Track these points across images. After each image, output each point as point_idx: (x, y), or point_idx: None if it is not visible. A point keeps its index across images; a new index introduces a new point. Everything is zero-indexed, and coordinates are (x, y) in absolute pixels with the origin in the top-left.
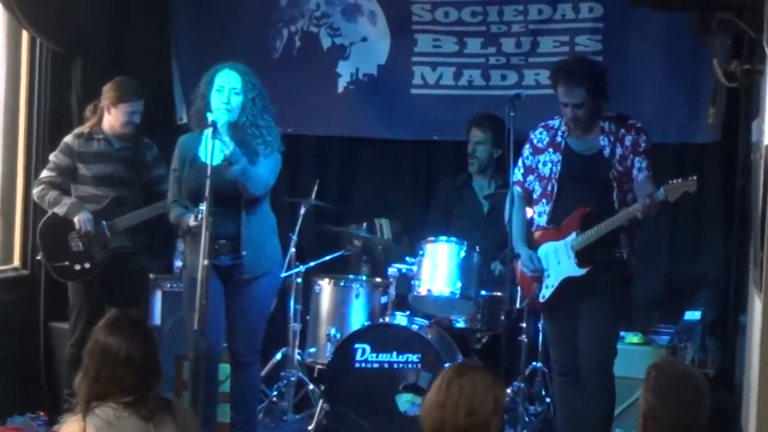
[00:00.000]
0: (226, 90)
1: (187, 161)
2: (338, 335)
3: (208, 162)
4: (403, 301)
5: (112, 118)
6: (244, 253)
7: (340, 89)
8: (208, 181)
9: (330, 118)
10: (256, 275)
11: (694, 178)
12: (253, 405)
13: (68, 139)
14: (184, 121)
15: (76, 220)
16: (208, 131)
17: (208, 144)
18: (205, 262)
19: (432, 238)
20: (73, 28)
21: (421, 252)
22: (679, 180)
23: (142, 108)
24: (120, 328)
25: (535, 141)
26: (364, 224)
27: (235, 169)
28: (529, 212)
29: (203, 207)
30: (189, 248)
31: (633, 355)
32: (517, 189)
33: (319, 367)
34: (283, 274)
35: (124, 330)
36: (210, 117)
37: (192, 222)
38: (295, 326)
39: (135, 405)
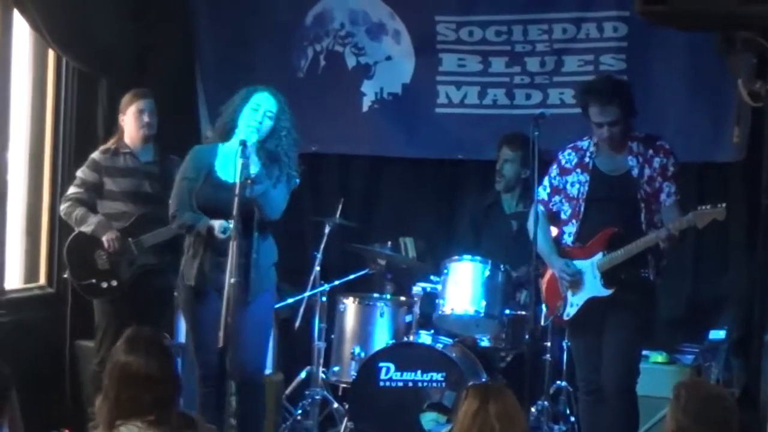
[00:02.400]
0: (261, 110)
1: (202, 173)
2: (362, 354)
3: (237, 180)
4: (427, 320)
5: (127, 127)
6: (253, 276)
7: (365, 108)
8: (236, 200)
9: (354, 136)
10: (256, 297)
11: (723, 205)
12: (260, 425)
13: (95, 154)
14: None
15: (104, 239)
16: (237, 149)
17: (237, 162)
18: (232, 280)
19: (456, 257)
20: (98, 47)
21: (445, 271)
22: (708, 207)
23: (153, 107)
24: (138, 346)
25: (563, 162)
26: (389, 243)
27: (257, 189)
28: (554, 231)
29: (231, 223)
30: (195, 257)
31: (657, 374)
32: (541, 208)
33: (344, 385)
34: (308, 293)
35: (142, 348)
36: (240, 135)
37: (219, 234)
38: (319, 345)
39: (159, 423)
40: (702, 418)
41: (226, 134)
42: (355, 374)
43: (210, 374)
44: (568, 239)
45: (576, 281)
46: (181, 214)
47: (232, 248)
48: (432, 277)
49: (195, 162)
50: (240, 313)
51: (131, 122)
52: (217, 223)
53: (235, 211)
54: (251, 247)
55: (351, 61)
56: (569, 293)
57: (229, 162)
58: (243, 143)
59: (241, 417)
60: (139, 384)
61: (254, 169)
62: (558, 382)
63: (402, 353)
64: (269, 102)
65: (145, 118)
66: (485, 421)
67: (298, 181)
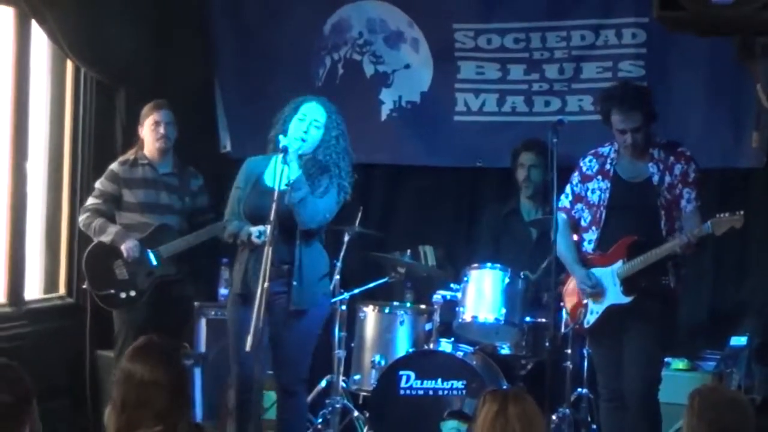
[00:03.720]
0: (307, 120)
1: (250, 182)
2: (383, 362)
3: (276, 186)
4: (447, 328)
5: (146, 139)
6: (294, 283)
7: (383, 117)
8: (273, 205)
9: (373, 145)
10: (303, 308)
11: (741, 213)
12: None
13: (113, 166)
14: (228, 149)
15: (123, 248)
16: (278, 156)
17: (276, 168)
18: (266, 284)
19: (476, 265)
20: (117, 58)
21: (465, 278)
22: (726, 214)
23: (170, 118)
24: (144, 354)
25: (584, 168)
26: (408, 251)
27: (295, 195)
28: (575, 238)
29: (267, 228)
30: (241, 265)
31: (679, 381)
32: (563, 216)
33: (364, 394)
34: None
35: (149, 356)
36: (282, 141)
37: (255, 239)
38: (339, 353)
39: None
40: (717, 424)
41: (277, 145)
42: (376, 383)
43: (245, 382)
44: (588, 246)
45: (597, 293)
46: (230, 222)
47: (267, 253)
48: (452, 285)
49: (246, 171)
50: (285, 323)
51: (148, 134)
52: (254, 229)
53: (272, 216)
54: (293, 255)
55: (369, 70)
56: (590, 301)
57: (275, 170)
58: (284, 149)
59: (280, 426)
60: (144, 390)
61: (293, 175)
62: (579, 389)
63: (422, 361)
64: (317, 111)
65: (161, 130)
66: (505, 424)
67: (348, 193)
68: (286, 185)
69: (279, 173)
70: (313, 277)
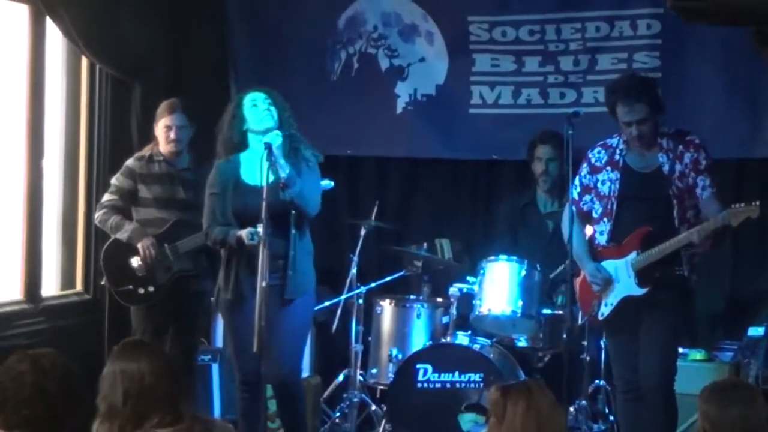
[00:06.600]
0: (259, 103)
1: (230, 185)
2: (400, 356)
3: (264, 183)
4: (464, 321)
5: (159, 138)
6: (290, 272)
7: (399, 110)
8: (264, 204)
9: (389, 139)
10: (296, 296)
11: (757, 203)
12: (302, 426)
13: (129, 162)
14: None
15: (140, 246)
16: (262, 153)
17: (263, 166)
18: (264, 283)
19: (492, 257)
20: (132, 53)
21: (481, 271)
22: (742, 204)
23: (183, 122)
24: (126, 352)
25: (593, 160)
26: (425, 244)
27: (292, 191)
28: (588, 230)
29: (259, 228)
30: (230, 269)
31: (696, 372)
32: (572, 208)
33: (382, 387)
34: (345, 296)
35: (130, 352)
36: (264, 139)
37: (247, 240)
38: (356, 347)
39: (171, 424)
40: (727, 400)
41: (238, 146)
42: (393, 376)
43: (249, 379)
44: (601, 238)
45: (606, 286)
46: (212, 229)
47: (262, 253)
48: (468, 278)
49: (220, 176)
50: (278, 314)
51: (161, 136)
52: (245, 232)
53: (263, 214)
54: (288, 246)
55: (384, 63)
56: (603, 294)
57: (254, 165)
58: (268, 146)
59: (281, 419)
60: (139, 387)
61: (284, 172)
62: (596, 381)
63: (439, 354)
64: (260, 95)
65: (172, 135)
66: (538, 415)
67: (318, 154)
68: (281, 184)
69: (266, 171)
70: (306, 265)
